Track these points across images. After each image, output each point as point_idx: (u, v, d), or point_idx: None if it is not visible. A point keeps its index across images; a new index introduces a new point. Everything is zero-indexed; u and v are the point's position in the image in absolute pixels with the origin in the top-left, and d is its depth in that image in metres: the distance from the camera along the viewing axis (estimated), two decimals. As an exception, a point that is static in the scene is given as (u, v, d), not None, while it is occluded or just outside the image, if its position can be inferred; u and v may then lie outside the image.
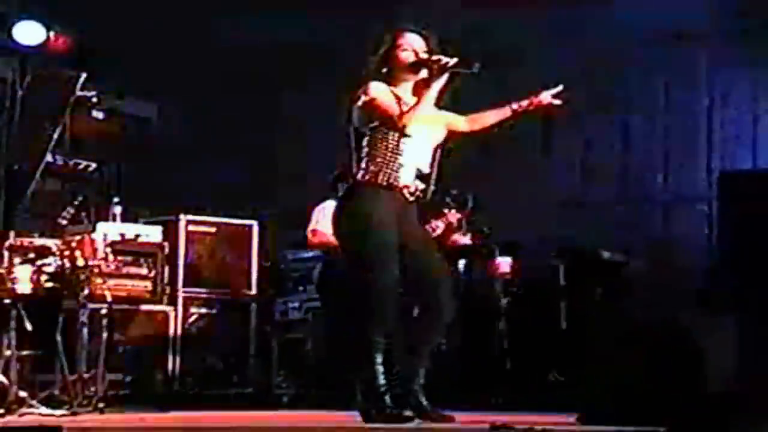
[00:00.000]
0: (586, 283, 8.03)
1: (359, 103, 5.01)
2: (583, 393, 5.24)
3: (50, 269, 6.18)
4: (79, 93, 6.55)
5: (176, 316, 7.69)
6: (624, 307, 7.93)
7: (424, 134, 5.08)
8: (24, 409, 5.92)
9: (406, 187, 5.05)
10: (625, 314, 7.89)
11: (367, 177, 5.00)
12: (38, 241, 6.27)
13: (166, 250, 7.59)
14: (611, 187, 8.91)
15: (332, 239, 7.25)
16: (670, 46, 8.71)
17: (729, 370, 4.37)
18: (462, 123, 5.27)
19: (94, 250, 6.27)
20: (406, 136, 4.98)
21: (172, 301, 7.68)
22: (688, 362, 4.47)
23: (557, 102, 5.24)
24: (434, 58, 4.99)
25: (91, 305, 6.44)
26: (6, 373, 6.02)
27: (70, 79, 6.49)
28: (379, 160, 4.99)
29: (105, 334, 6.55)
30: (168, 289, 7.61)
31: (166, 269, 7.57)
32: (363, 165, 5.02)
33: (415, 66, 5.05)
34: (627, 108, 8.94)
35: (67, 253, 6.21)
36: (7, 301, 6.06)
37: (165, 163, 9.40)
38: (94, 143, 7.84)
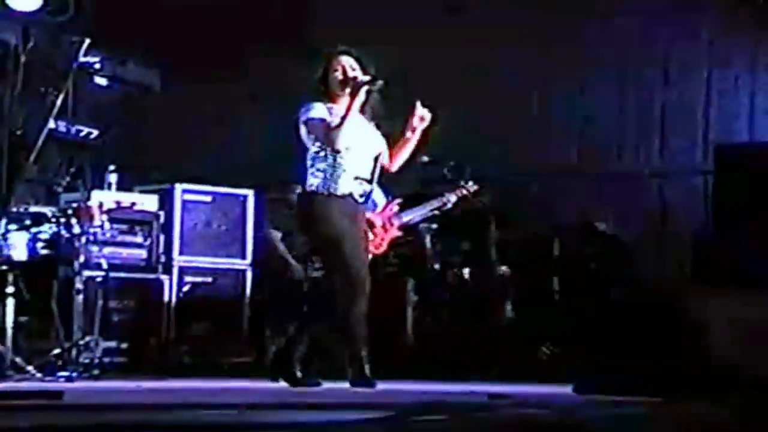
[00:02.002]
0: (580, 255, 8.04)
1: (301, 119, 5.73)
2: (577, 365, 5.27)
3: (46, 236, 6.17)
4: (81, 59, 6.50)
5: (171, 285, 7.69)
6: (618, 278, 7.94)
7: (362, 146, 5.75)
8: (20, 376, 5.92)
9: (350, 194, 5.73)
10: (620, 286, 7.91)
11: (313, 188, 5.72)
12: (34, 209, 6.26)
13: (162, 219, 7.58)
14: (607, 158, 8.91)
15: None
16: (669, 18, 8.68)
17: (724, 341, 4.38)
18: (386, 160, 5.97)
19: (90, 218, 6.25)
20: (337, 152, 5.64)
21: (168, 270, 7.68)
22: (682, 334, 4.48)
23: (423, 120, 5.84)
24: (350, 75, 5.67)
25: (87, 273, 6.43)
26: (2, 340, 6.01)
27: (72, 45, 6.43)
28: (320, 172, 5.70)
29: (100, 302, 6.55)
30: (163, 258, 7.60)
31: (162, 238, 7.56)
32: (309, 176, 5.74)
33: (343, 84, 5.71)
34: (624, 80, 8.92)
35: (63, 220, 6.19)
36: (3, 268, 6.05)
37: (167, 130, 9.35)
38: (96, 110, 7.80)
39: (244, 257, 8.12)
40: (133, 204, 7.38)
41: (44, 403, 3.66)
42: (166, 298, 7.63)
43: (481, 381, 6.41)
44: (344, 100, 5.70)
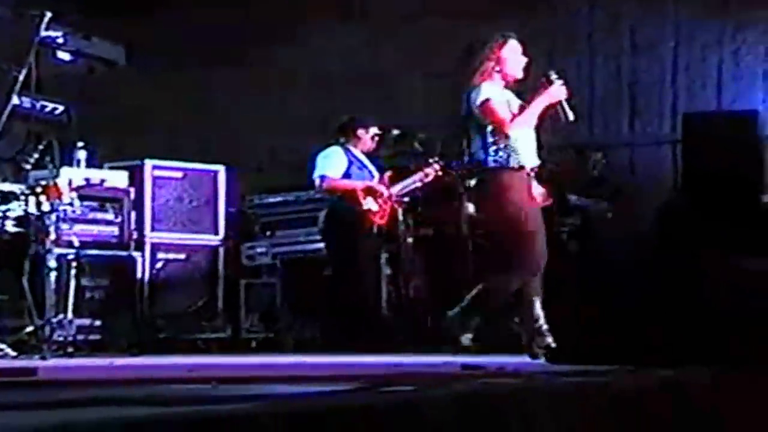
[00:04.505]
0: (552, 227, 8.07)
1: (477, 102, 5.71)
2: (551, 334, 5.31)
3: (15, 214, 6.13)
4: (43, 33, 6.43)
5: (144, 262, 7.67)
6: (590, 249, 7.99)
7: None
8: (-7, 353, 5.90)
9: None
10: (591, 256, 7.96)
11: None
12: (2, 186, 6.22)
13: (133, 196, 7.55)
14: (577, 128, 8.93)
15: (339, 184, 7.44)
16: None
17: (694, 307, 4.42)
18: None
19: (60, 195, 6.22)
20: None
21: (140, 247, 7.66)
22: (654, 302, 4.52)
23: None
24: (558, 84, 5.75)
25: (58, 251, 6.41)
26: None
27: (34, 19, 6.36)
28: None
29: (73, 280, 6.52)
30: (135, 235, 7.58)
31: (133, 214, 7.54)
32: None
33: (523, 72, 5.82)
34: (592, 49, 8.95)
35: (32, 198, 6.16)
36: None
37: (133, 106, 9.32)
38: (60, 85, 7.72)
39: (216, 233, 8.11)
40: (103, 181, 7.34)
41: (18, 380, 3.66)
42: (138, 275, 7.62)
43: (455, 353, 6.44)
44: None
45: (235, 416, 2.32)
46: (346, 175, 7.63)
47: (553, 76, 5.79)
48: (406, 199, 7.84)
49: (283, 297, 8.25)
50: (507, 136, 5.69)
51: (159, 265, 7.80)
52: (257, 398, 2.67)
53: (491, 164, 5.72)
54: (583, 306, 5.13)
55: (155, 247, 7.80)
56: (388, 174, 7.74)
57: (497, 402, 2.91)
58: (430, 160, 7.74)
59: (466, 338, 5.86)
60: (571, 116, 5.83)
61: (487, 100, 5.70)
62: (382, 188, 7.64)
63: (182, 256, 7.94)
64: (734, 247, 6.74)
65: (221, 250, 8.12)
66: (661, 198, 8.34)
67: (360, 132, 7.69)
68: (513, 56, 5.84)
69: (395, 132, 7.83)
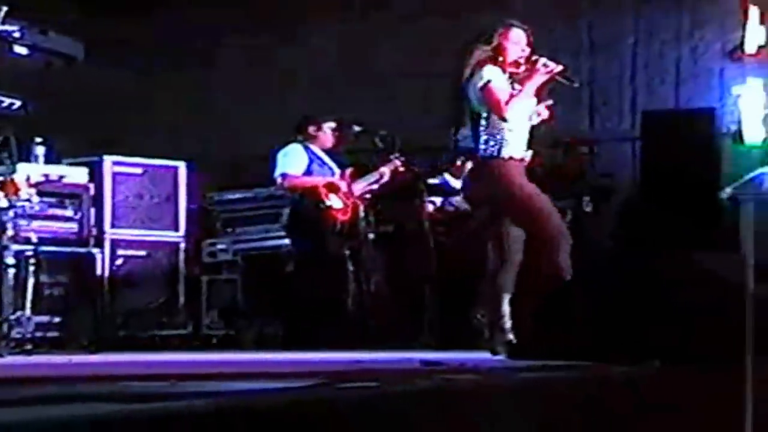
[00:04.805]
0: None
1: (479, 84, 5.54)
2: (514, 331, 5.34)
3: (-28, 211, 6.08)
4: (0, 27, 6.36)
5: (103, 258, 7.62)
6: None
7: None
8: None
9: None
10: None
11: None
12: (-41, 183, 6.16)
13: (92, 192, 7.50)
14: (537, 127, 8.97)
15: (301, 181, 7.43)
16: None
17: (659, 303, 4.46)
18: None
19: (17, 191, 6.16)
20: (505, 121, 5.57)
21: (99, 244, 7.61)
22: (613, 298, 4.56)
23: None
24: (542, 61, 5.60)
25: (16, 247, 6.35)
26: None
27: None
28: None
29: (31, 277, 6.47)
30: (95, 231, 7.53)
31: (92, 211, 7.49)
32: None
33: (520, 63, 5.64)
34: (552, 47, 8.98)
35: (-11, 194, 6.10)
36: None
37: (92, 102, 9.25)
38: (17, 80, 7.65)
39: (177, 230, 8.08)
40: (62, 177, 7.28)
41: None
42: (98, 272, 7.56)
43: (417, 349, 6.46)
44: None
45: (195, 413, 2.31)
46: (308, 172, 7.62)
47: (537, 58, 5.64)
48: (367, 195, 7.85)
49: (244, 294, 8.23)
50: (500, 126, 5.56)
51: (119, 261, 7.76)
52: (217, 395, 2.67)
53: (482, 154, 5.62)
54: (543, 302, 5.17)
55: (115, 244, 7.76)
56: (349, 171, 7.75)
57: (457, 398, 2.93)
58: (392, 157, 7.75)
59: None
60: (576, 83, 5.78)
61: (489, 81, 5.54)
62: (343, 185, 7.65)
63: (142, 252, 7.91)
64: (692, 243, 6.82)
65: (182, 247, 8.09)
66: (622, 195, 8.41)
67: (311, 129, 7.67)
68: (514, 46, 5.66)
69: (356, 129, 7.83)
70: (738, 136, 8.68)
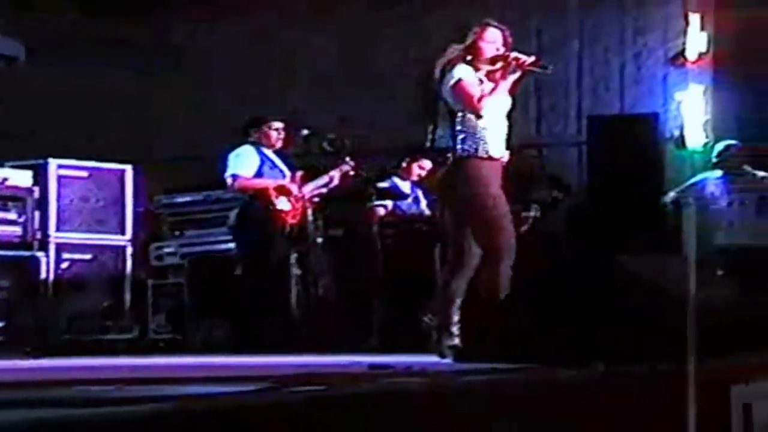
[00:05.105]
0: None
1: (450, 83, 5.50)
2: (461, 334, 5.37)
3: None
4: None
5: (48, 262, 7.55)
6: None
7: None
8: None
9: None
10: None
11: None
12: None
13: (36, 195, 7.42)
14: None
15: (251, 183, 7.40)
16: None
17: (603, 306, 4.51)
18: None
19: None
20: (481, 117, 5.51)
21: (44, 247, 7.54)
22: (561, 301, 4.60)
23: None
24: (513, 55, 5.54)
25: (-42, 251, 6.29)
26: None
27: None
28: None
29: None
30: (39, 234, 7.46)
31: (37, 214, 7.41)
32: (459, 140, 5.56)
33: (494, 59, 5.59)
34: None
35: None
36: None
37: (35, 104, 9.16)
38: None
39: (123, 233, 8.02)
40: (5, 180, 7.21)
41: None
42: (42, 275, 7.49)
43: (365, 352, 6.47)
44: (483, 72, 5.59)
45: (140, 417, 2.31)
46: (258, 174, 7.60)
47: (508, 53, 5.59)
48: (316, 198, 7.86)
49: (191, 297, 8.19)
50: (476, 124, 5.49)
51: (64, 265, 7.69)
52: (163, 399, 2.66)
53: (459, 153, 5.51)
54: (490, 306, 5.21)
55: (60, 248, 7.68)
56: (299, 173, 7.74)
57: (403, 401, 2.95)
58: (342, 160, 7.74)
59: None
60: (549, 69, 5.71)
61: (459, 80, 5.48)
62: (294, 188, 7.64)
63: (88, 256, 7.84)
64: (637, 246, 6.90)
65: (128, 250, 8.03)
66: (569, 199, 8.49)
67: (259, 129, 7.65)
68: (489, 46, 5.60)
69: (304, 131, 7.83)
70: (681, 141, 8.82)
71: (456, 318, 5.54)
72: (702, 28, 8.75)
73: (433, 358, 5.45)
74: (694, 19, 8.74)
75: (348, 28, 9.45)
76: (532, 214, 7.88)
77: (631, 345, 4.25)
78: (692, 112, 8.79)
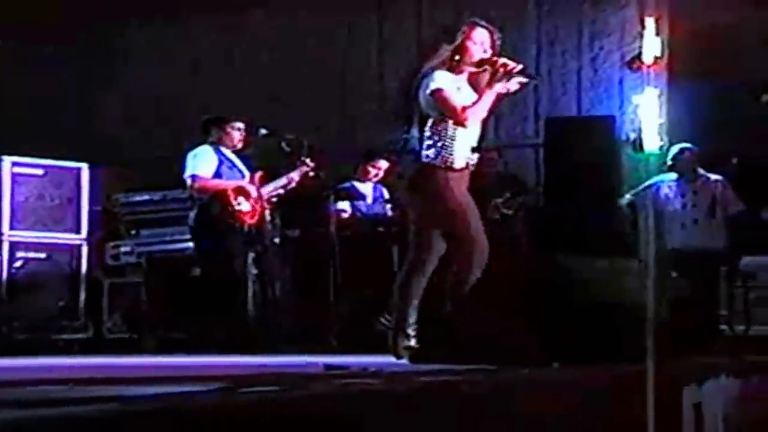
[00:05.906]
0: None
1: (427, 90, 5.29)
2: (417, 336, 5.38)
3: None
4: None
5: (1, 260, 7.48)
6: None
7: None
8: None
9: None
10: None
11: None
12: None
13: (-11, 193, 7.37)
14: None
15: (211, 184, 7.36)
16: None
17: (560, 306, 4.53)
18: None
19: None
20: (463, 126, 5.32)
21: (-3, 245, 7.48)
22: (518, 301, 4.62)
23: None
24: (501, 61, 5.33)
25: None
26: None
27: None
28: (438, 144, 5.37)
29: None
30: (-8, 233, 7.40)
31: (-10, 212, 7.36)
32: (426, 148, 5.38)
33: (481, 63, 5.38)
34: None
35: None
36: None
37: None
38: None
39: (79, 232, 7.96)
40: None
41: None
42: (-4, 274, 7.44)
43: (321, 353, 6.47)
44: (466, 74, 5.41)
45: (94, 417, 2.29)
46: (217, 174, 7.57)
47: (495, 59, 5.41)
48: (274, 199, 7.84)
49: (147, 297, 8.15)
50: (445, 133, 5.32)
51: (18, 264, 7.63)
52: (117, 399, 2.65)
53: (424, 159, 5.37)
54: (446, 307, 5.22)
55: (14, 246, 7.62)
56: (258, 174, 7.71)
57: (357, 402, 2.95)
58: (300, 161, 7.72)
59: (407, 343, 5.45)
60: (537, 79, 5.54)
61: (439, 90, 5.30)
62: (252, 188, 7.61)
63: (43, 255, 7.78)
64: (593, 248, 6.96)
65: (84, 249, 7.97)
66: (527, 200, 8.53)
67: (218, 129, 7.61)
68: (476, 47, 5.42)
69: (262, 132, 7.80)
70: (637, 143, 8.90)
71: (412, 319, 5.53)
72: (657, 33, 8.85)
73: (389, 359, 5.46)
74: (650, 23, 8.84)
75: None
76: (500, 201, 7.89)
77: (587, 345, 4.28)
78: (648, 115, 8.87)
